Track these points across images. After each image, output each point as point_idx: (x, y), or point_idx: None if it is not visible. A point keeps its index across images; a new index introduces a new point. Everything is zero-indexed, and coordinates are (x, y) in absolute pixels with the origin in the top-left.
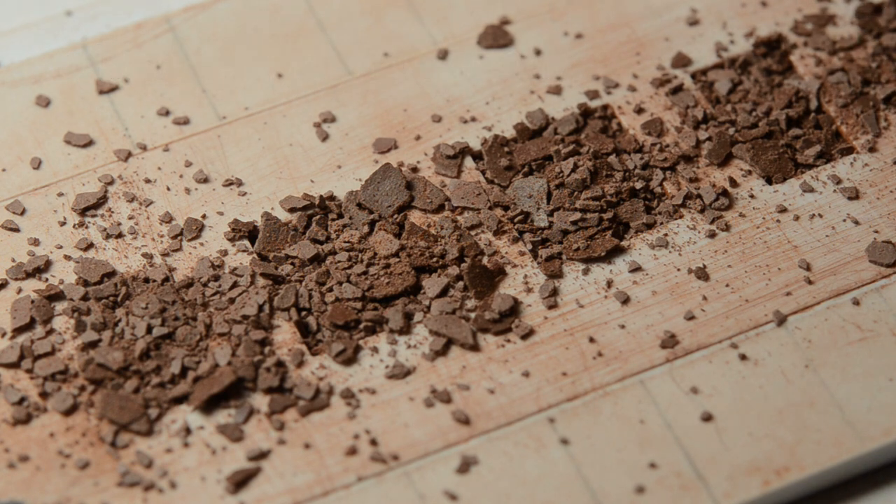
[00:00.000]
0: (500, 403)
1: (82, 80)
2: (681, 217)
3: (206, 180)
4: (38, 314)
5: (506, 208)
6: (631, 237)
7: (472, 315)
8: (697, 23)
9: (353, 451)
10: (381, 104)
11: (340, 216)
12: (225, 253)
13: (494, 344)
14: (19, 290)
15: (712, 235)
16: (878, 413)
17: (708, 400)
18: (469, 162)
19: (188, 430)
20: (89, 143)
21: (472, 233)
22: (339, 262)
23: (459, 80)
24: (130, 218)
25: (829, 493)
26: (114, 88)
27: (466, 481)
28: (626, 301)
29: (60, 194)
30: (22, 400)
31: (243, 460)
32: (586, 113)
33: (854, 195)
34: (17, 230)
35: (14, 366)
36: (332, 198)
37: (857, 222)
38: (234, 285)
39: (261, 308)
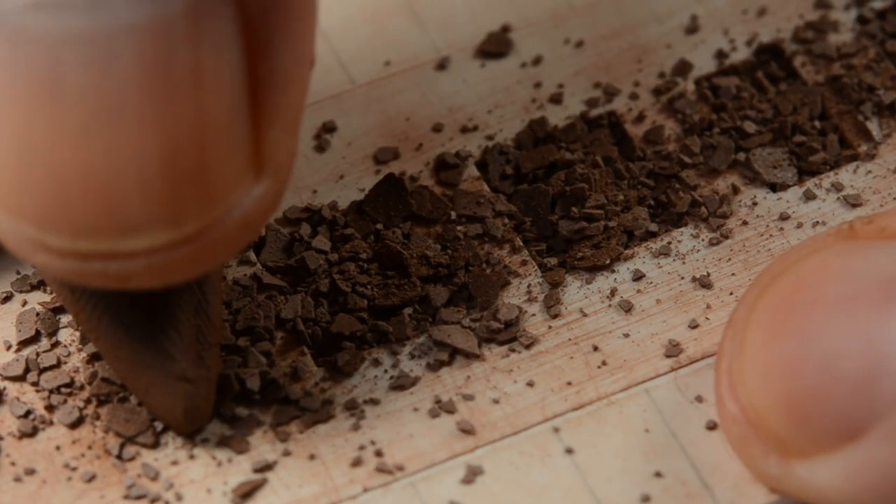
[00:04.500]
0: (505, 413)
1: None
2: (684, 225)
3: None
4: (43, 327)
5: (509, 217)
6: (635, 245)
7: (476, 325)
8: (699, 29)
9: (358, 462)
10: (384, 113)
11: (344, 226)
12: (228, 264)
13: (499, 353)
14: (24, 303)
15: (716, 243)
16: None
17: (713, 409)
18: (472, 171)
19: (194, 442)
20: None
21: (475, 242)
22: (343, 272)
23: (462, 89)
24: None
25: None
26: None
27: (472, 491)
28: (629, 310)
29: None
30: (28, 413)
31: (249, 472)
32: (589, 120)
33: (857, 202)
34: None
35: (20, 379)
36: (335, 208)
37: None
38: (238, 296)
39: (265, 319)
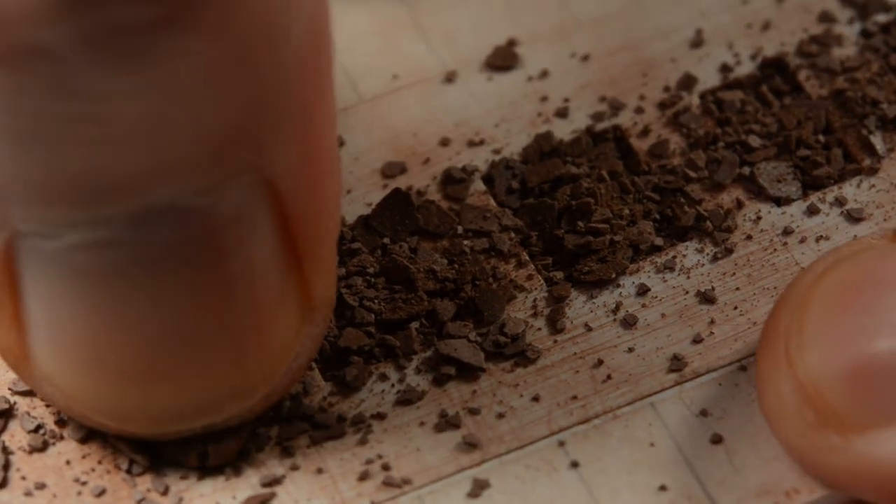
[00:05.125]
0: (511, 427)
1: None
2: (689, 239)
3: None
4: None
5: (515, 231)
6: (640, 260)
7: (483, 339)
8: (703, 44)
9: (365, 476)
10: (391, 128)
11: (351, 241)
12: None
13: (504, 368)
14: None
15: (720, 258)
16: None
17: (717, 422)
18: (478, 185)
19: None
20: None
21: (482, 256)
22: (350, 286)
23: (469, 103)
24: None
25: None
26: None
27: None
28: (634, 324)
29: None
30: (38, 427)
31: (257, 486)
32: (595, 135)
33: (860, 216)
34: None
35: (30, 393)
36: (342, 222)
37: None
38: None
39: None
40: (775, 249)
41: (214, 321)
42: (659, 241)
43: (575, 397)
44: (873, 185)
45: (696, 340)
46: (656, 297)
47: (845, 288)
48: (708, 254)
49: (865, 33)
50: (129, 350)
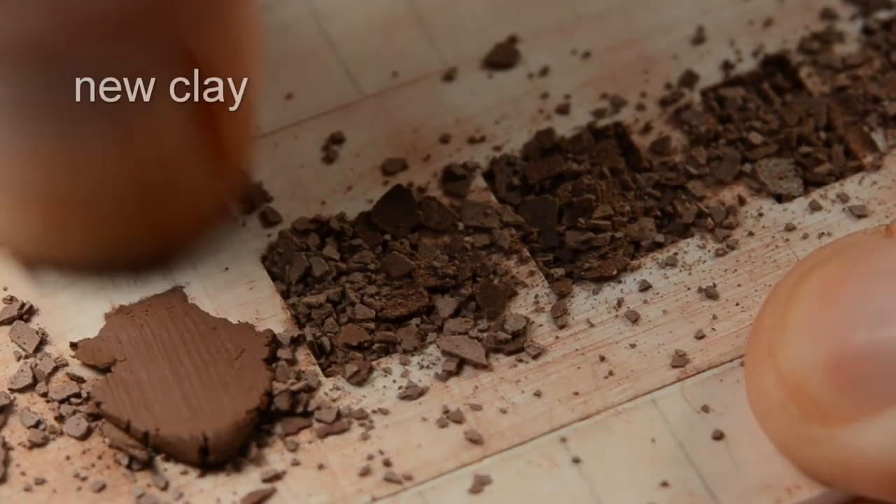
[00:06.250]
0: (512, 423)
1: None
2: (691, 236)
3: None
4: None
5: (516, 228)
6: (641, 256)
7: (484, 335)
8: (705, 41)
9: (366, 472)
10: (392, 124)
11: (353, 237)
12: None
13: (506, 364)
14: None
15: (722, 254)
16: None
17: (719, 419)
18: (479, 181)
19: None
20: None
21: (483, 253)
22: (352, 282)
23: (469, 100)
24: None
25: None
26: None
27: (479, 501)
28: (636, 320)
29: None
30: (38, 423)
31: (258, 482)
32: (596, 131)
33: (862, 213)
34: None
35: (29, 389)
36: (343, 219)
37: None
38: None
39: None
40: (777, 246)
41: (125, 171)
42: (660, 238)
43: (577, 393)
44: (875, 182)
45: (698, 336)
46: (658, 293)
47: (829, 283)
48: (710, 250)
49: (867, 30)
50: (47, 193)
